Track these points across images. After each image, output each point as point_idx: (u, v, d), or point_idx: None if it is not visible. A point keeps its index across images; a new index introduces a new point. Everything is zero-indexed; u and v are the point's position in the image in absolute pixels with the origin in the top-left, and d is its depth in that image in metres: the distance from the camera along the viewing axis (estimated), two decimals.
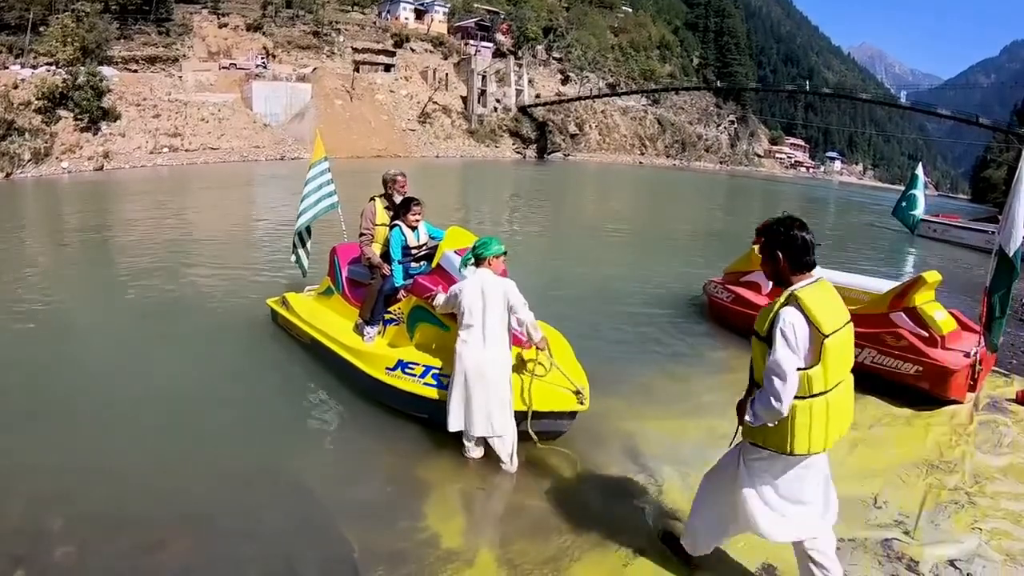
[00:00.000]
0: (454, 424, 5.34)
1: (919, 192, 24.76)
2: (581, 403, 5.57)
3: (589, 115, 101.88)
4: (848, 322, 3.52)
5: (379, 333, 6.96)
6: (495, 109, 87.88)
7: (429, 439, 5.88)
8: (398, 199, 7.32)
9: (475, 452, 5.54)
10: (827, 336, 3.30)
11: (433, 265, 6.50)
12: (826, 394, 3.38)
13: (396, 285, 6.84)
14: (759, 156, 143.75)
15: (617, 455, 5.72)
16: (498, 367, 5.24)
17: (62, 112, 47.13)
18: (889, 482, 5.44)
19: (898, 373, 7.28)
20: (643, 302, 11.14)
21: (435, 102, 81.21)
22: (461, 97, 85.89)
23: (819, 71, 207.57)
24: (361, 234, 7.35)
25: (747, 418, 3.55)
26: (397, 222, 6.89)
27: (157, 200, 27.99)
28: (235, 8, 72.26)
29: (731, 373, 7.76)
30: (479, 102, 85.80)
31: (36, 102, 46.11)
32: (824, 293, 3.53)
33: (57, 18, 53.25)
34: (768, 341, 3.41)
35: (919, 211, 24.64)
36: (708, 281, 10.38)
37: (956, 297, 11.79)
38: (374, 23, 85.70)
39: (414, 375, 5.98)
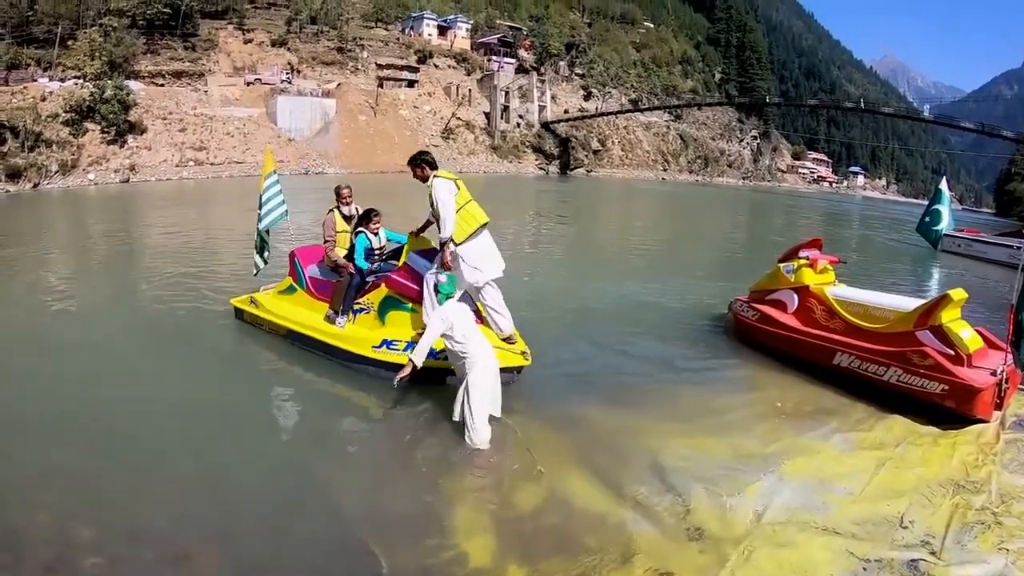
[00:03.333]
0: (484, 434, 5.94)
1: (944, 207, 24.40)
2: (527, 359, 7.27)
3: (612, 131, 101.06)
4: None
5: (349, 321, 8.04)
6: (518, 125, 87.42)
7: (454, 452, 5.93)
8: (344, 208, 8.65)
9: (486, 437, 5.94)
10: None
11: (400, 264, 7.74)
12: None
13: (367, 280, 8.03)
14: (782, 171, 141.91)
15: (643, 472, 5.66)
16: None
17: (89, 125, 47.44)
18: (915, 502, 5.31)
19: (924, 392, 7.13)
20: (667, 319, 11.04)
21: (458, 118, 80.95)
22: (484, 113, 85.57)
23: (841, 85, 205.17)
24: (325, 240, 8.52)
25: None
26: (361, 229, 8.11)
27: (180, 212, 28.37)
28: (260, 24, 72.60)
29: (756, 391, 7.86)
30: (502, 118, 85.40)
31: (64, 115, 46.40)
32: None
33: (85, 32, 53.62)
34: None
35: (943, 226, 24.18)
36: (733, 299, 10.23)
37: (982, 314, 11.41)
38: (397, 39, 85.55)
39: (398, 350, 7.24)
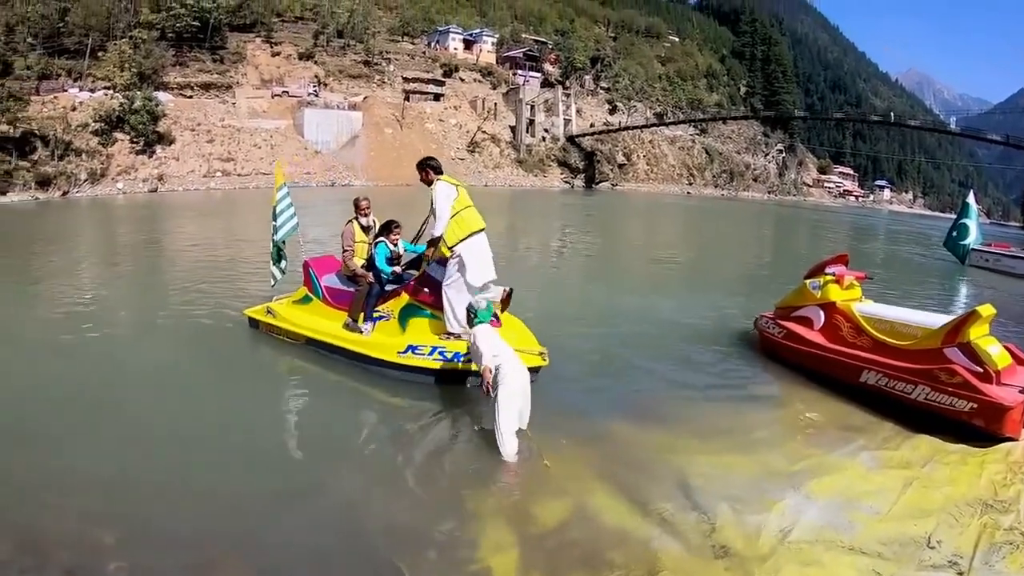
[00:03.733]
0: (512, 447, 5.95)
1: (971, 221, 24.11)
2: (544, 360, 7.53)
3: (637, 145, 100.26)
4: None
5: (373, 328, 8.29)
6: (543, 139, 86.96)
7: (479, 465, 5.93)
8: (362, 219, 8.85)
9: (513, 450, 5.95)
10: None
11: (420, 273, 8.14)
12: None
13: (386, 289, 8.33)
14: (807, 185, 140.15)
15: (669, 489, 5.62)
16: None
17: (118, 135, 48.24)
18: (942, 521, 5.23)
19: (952, 410, 7.02)
20: (692, 335, 10.94)
21: (484, 131, 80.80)
22: (509, 127, 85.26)
23: (867, 98, 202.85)
24: (344, 250, 8.69)
25: None
26: (382, 239, 8.38)
27: (205, 222, 29.08)
28: (288, 37, 72.97)
29: (782, 409, 7.82)
30: (527, 132, 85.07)
31: (93, 124, 47.26)
32: None
33: (115, 44, 54.41)
34: None
35: (971, 240, 23.84)
36: (759, 316, 10.14)
37: (1011, 330, 11.34)
38: (423, 53, 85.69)
39: (424, 354, 7.58)
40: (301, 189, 52.05)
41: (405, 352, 7.67)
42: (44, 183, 40.95)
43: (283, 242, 9.71)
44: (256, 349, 9.16)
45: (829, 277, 8.75)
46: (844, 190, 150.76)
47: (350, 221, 8.88)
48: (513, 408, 5.93)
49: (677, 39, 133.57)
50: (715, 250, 28.97)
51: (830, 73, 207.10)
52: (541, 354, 7.54)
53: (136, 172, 47.70)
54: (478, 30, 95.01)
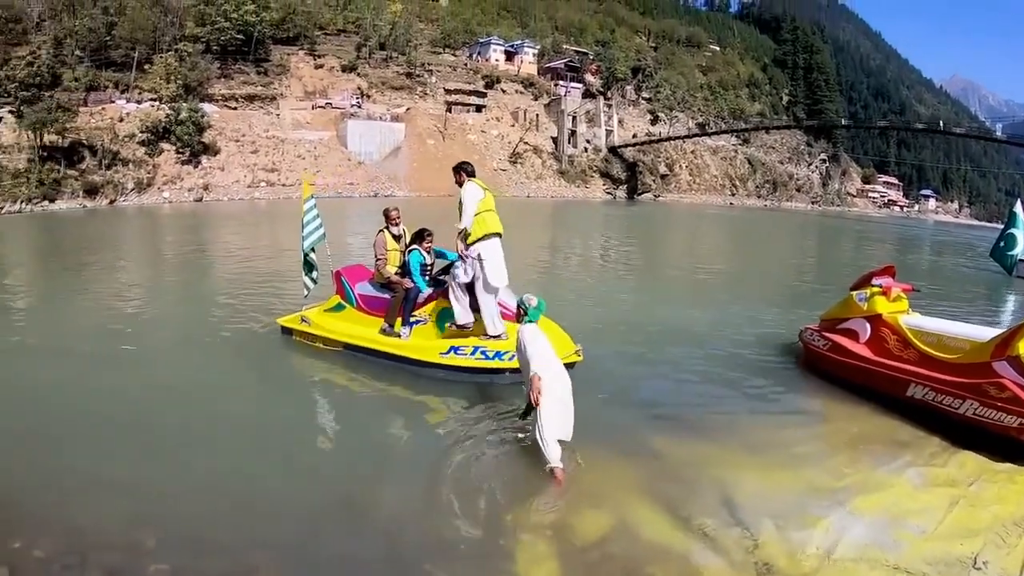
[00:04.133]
0: (556, 453, 5.66)
1: (1019, 231, 22.76)
2: (580, 356, 7.67)
3: (679, 155, 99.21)
4: None
5: (410, 332, 8.48)
6: (585, 150, 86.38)
7: (519, 476, 5.81)
8: (393, 228, 8.96)
9: (557, 456, 5.68)
10: None
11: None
12: None
13: (423, 293, 8.49)
14: (851, 195, 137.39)
15: (710, 504, 5.39)
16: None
17: (164, 145, 49.27)
18: (989, 541, 4.99)
19: (1000, 425, 6.68)
20: (734, 347, 10.59)
21: (526, 142, 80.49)
22: (551, 137, 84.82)
23: (910, 105, 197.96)
24: (377, 259, 8.83)
25: None
26: (415, 246, 8.60)
27: (248, 230, 30.55)
28: (330, 50, 73.75)
29: (827, 423, 7.66)
30: (569, 142, 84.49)
31: (140, 135, 48.49)
32: None
33: (161, 57, 55.69)
34: None
35: (1019, 251, 22.69)
36: (804, 328, 9.76)
37: None
38: (465, 64, 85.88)
39: (465, 354, 7.77)
40: (344, 200, 52.83)
41: (447, 353, 7.93)
42: (92, 191, 42.14)
43: (312, 251, 9.91)
44: (292, 357, 9.21)
45: (876, 289, 8.44)
46: (888, 200, 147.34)
47: (381, 230, 9.09)
48: (555, 415, 5.78)
49: (718, 48, 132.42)
50: (758, 261, 28.20)
51: (873, 80, 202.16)
52: (577, 351, 7.67)
53: (182, 182, 48.61)
54: (519, 41, 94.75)
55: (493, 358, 7.72)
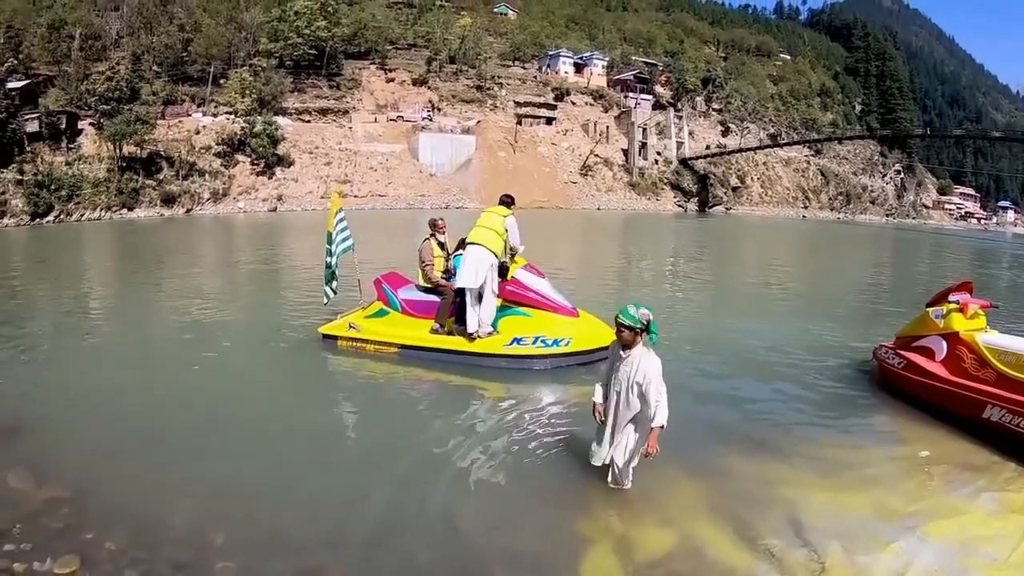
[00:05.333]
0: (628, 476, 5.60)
1: None
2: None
3: (751, 167, 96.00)
4: None
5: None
6: (655, 162, 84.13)
7: (584, 491, 5.65)
8: (440, 236, 9.66)
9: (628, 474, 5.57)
10: None
11: (509, 277, 8.87)
12: None
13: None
14: (926, 207, 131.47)
15: (778, 524, 5.26)
16: None
17: (240, 157, 50.66)
18: None
19: None
20: (807, 363, 10.19)
21: (596, 155, 79.01)
22: (622, 150, 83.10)
23: (987, 112, 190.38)
24: (424, 264, 9.34)
25: None
26: (459, 252, 9.10)
27: (320, 240, 30.26)
28: (401, 64, 73.63)
29: (900, 445, 7.21)
30: (640, 154, 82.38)
31: (216, 147, 50.04)
32: None
33: (236, 72, 56.69)
34: None
35: None
36: (878, 345, 9.47)
37: None
38: (535, 77, 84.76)
39: (527, 344, 8.50)
40: (415, 212, 53.19)
41: (511, 344, 8.44)
42: (169, 201, 43.55)
43: (337, 264, 10.12)
44: (349, 363, 9.20)
45: (952, 305, 8.06)
46: (965, 212, 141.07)
47: (427, 239, 9.55)
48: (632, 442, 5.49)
49: (788, 57, 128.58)
50: (831, 276, 26.98)
51: (947, 87, 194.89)
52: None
53: (256, 192, 49.62)
54: (588, 53, 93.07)
55: (552, 345, 8.40)
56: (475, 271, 8.32)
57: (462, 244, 9.06)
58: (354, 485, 5.61)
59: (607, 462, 5.46)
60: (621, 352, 5.19)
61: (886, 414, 8.21)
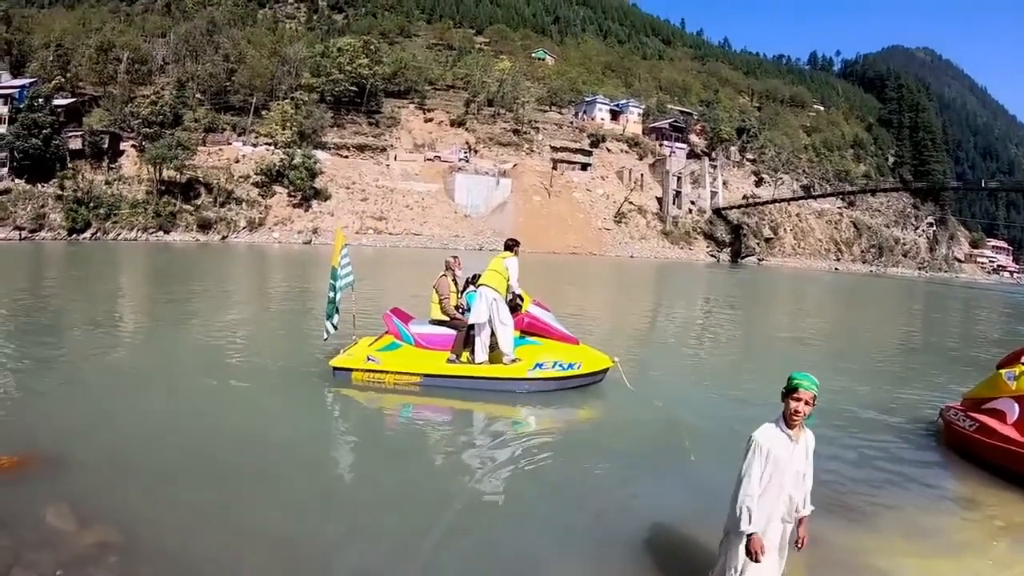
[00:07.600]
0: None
1: None
2: (613, 361, 9.07)
3: (784, 218, 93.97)
4: None
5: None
6: (689, 211, 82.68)
7: (663, 543, 5.15)
8: (458, 273, 10.02)
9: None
10: None
11: (523, 311, 9.30)
12: None
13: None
14: (959, 260, 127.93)
15: None
16: None
17: (277, 188, 50.75)
18: None
19: None
20: (865, 425, 9.36)
21: (630, 202, 77.84)
22: (656, 198, 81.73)
23: (1020, 163, 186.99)
24: (442, 299, 9.59)
25: None
26: (471, 288, 9.57)
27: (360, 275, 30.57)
28: (440, 104, 73.23)
29: (980, 509, 6.70)
30: (674, 203, 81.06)
31: (254, 176, 50.19)
32: None
33: (277, 104, 56.51)
34: None
35: None
36: (946, 407, 8.91)
37: None
38: (571, 123, 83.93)
39: (548, 367, 8.87)
40: (450, 252, 50.49)
41: (534, 369, 8.83)
42: (205, 226, 43.80)
43: (339, 299, 10.12)
44: (373, 396, 8.93)
45: None
46: (998, 265, 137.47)
47: (443, 275, 9.79)
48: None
49: (822, 108, 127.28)
50: (871, 332, 25.07)
51: (980, 139, 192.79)
52: (614, 361, 9.01)
53: (292, 224, 49.65)
54: (624, 101, 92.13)
55: (567, 368, 8.85)
56: (483, 308, 8.85)
57: (473, 280, 9.63)
58: (367, 524, 5.21)
59: None
60: (788, 439, 3.65)
61: (960, 477, 7.88)
